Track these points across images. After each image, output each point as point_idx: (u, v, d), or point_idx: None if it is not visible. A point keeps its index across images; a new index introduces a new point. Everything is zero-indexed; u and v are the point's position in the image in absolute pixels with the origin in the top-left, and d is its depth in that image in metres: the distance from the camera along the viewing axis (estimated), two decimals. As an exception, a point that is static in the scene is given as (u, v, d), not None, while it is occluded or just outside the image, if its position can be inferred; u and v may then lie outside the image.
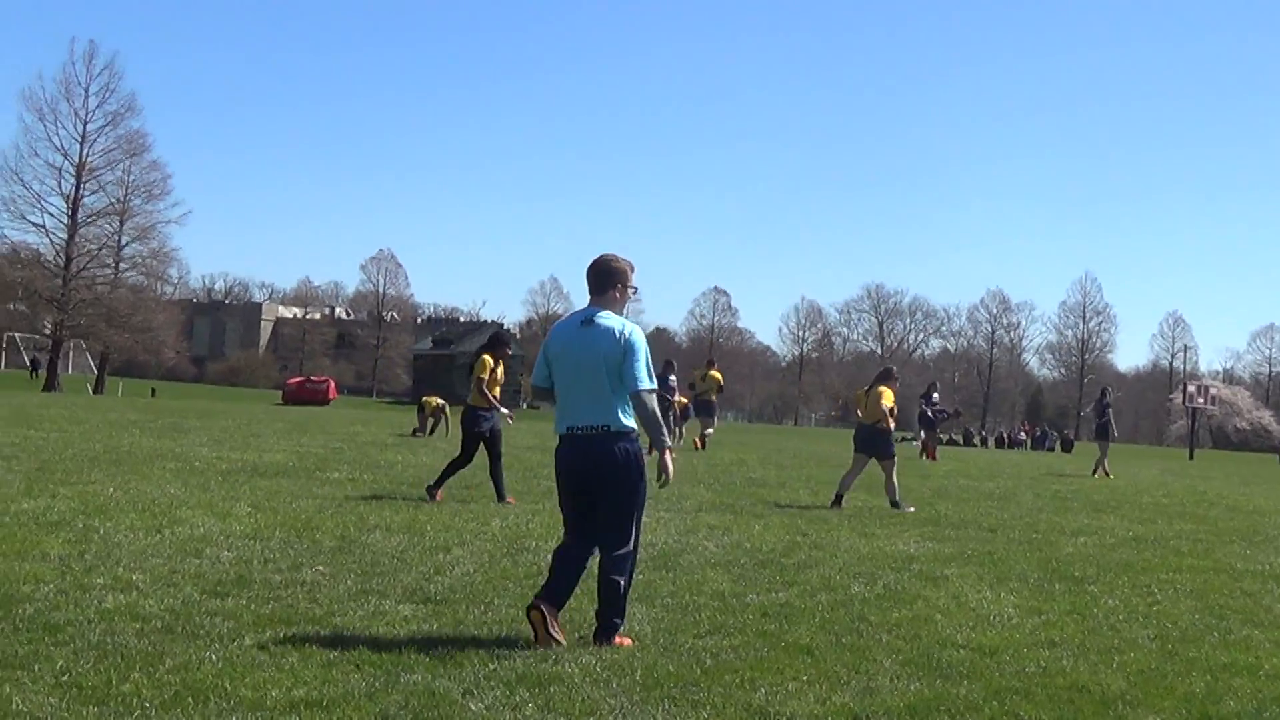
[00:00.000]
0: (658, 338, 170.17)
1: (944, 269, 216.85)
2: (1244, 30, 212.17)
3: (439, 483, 16.79)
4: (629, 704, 6.68)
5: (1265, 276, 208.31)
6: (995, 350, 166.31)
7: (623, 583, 8.16)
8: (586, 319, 8.29)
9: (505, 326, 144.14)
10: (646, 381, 8.13)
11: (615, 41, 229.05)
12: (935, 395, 41.26)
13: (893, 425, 19.36)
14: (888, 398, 19.39)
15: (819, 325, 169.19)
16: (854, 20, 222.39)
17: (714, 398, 35.59)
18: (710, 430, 35.21)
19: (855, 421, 20.32)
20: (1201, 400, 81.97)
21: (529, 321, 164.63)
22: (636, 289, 8.61)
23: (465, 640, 7.95)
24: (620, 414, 8.16)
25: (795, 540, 14.12)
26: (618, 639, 8.11)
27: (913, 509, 18.58)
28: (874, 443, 19.50)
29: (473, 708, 6.44)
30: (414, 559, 11.13)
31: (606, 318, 8.25)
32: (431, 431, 36.52)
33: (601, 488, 8.18)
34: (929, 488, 24.15)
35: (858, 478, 19.71)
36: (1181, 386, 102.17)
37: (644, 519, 8.41)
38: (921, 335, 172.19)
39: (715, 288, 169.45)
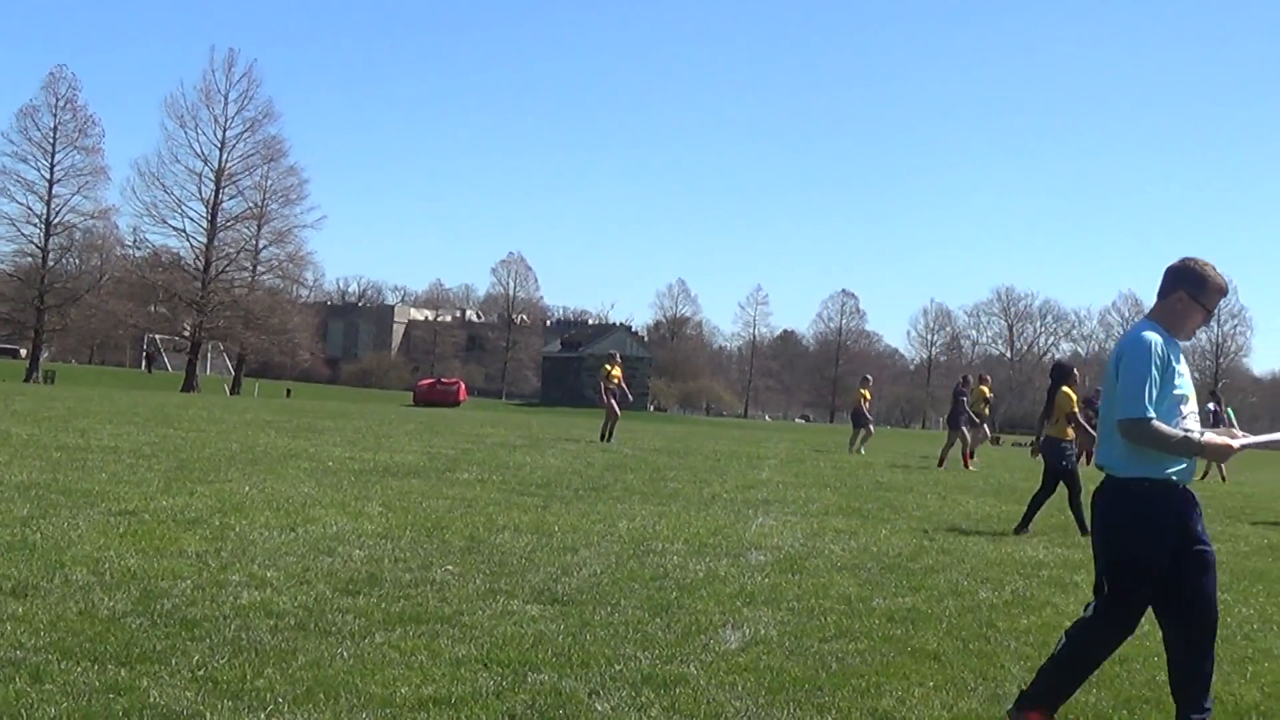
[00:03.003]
0: (784, 341, 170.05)
1: (1076, 271, 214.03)
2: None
3: (1025, 522, 16.32)
4: (754, 707, 6.69)
5: None
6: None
7: (1061, 659, 6.49)
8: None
9: (633, 329, 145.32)
10: (1128, 407, 6.24)
11: (746, 44, 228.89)
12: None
13: None
14: None
15: (948, 328, 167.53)
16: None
17: (985, 410, 35.48)
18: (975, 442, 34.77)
19: None
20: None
21: (657, 324, 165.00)
22: (1211, 311, 6.61)
23: (592, 641, 7.99)
24: (1116, 454, 6.39)
25: (922, 545, 14.04)
26: (1028, 713, 6.45)
27: None
28: None
29: (598, 708, 6.49)
30: (542, 559, 11.20)
31: (1135, 330, 6.51)
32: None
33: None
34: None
35: None
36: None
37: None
38: (1052, 339, 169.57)
39: (844, 290, 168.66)
